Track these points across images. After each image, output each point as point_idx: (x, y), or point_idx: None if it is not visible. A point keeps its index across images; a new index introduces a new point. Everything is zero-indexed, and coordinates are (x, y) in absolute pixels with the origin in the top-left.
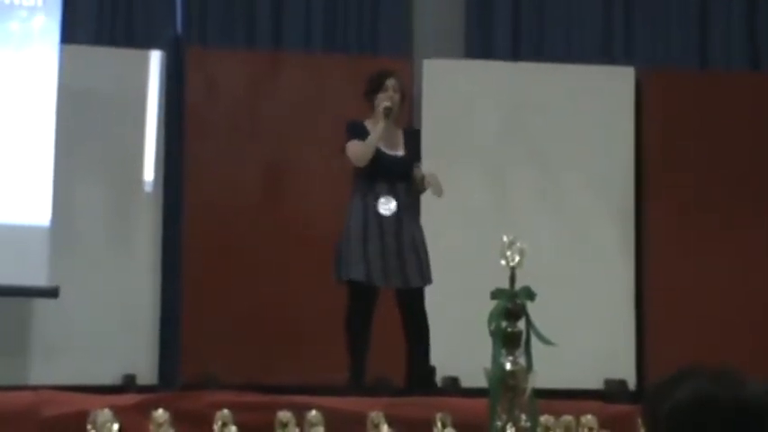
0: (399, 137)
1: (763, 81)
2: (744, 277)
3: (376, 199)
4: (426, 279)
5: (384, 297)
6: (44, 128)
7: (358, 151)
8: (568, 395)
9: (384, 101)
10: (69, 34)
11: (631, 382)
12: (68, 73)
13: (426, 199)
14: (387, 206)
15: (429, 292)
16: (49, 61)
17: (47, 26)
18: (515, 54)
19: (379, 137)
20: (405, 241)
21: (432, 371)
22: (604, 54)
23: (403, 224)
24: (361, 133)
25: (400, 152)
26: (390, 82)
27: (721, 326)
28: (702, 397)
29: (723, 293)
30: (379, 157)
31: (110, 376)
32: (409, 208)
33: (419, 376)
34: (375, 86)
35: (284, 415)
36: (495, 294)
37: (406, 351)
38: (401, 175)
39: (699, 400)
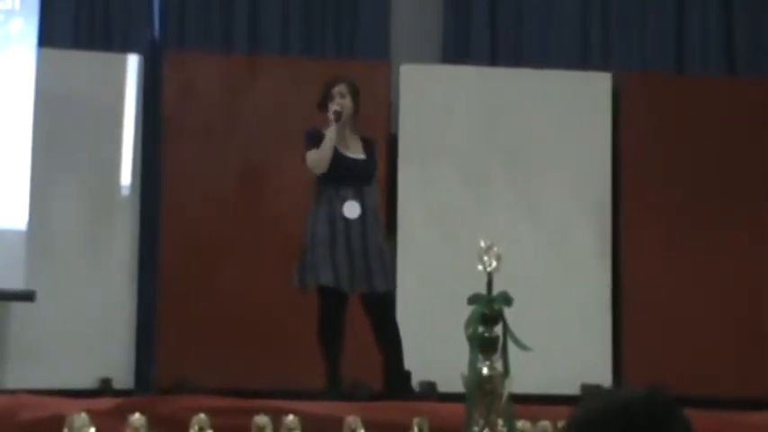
0: (358, 142)
1: (740, 86)
2: (721, 281)
3: (342, 203)
4: (391, 284)
5: (355, 301)
6: (21, 131)
7: (315, 159)
8: (545, 400)
9: (333, 107)
10: (47, 38)
11: (608, 387)
12: (46, 76)
13: (403, 203)
14: (352, 210)
15: (406, 296)
16: (26, 65)
17: (24, 29)
18: (493, 59)
19: (332, 142)
20: (370, 246)
21: (407, 375)
22: (581, 59)
23: (368, 228)
24: (317, 141)
25: (361, 155)
26: (337, 89)
27: (698, 330)
28: (588, 408)
29: (700, 298)
30: (342, 160)
31: (86, 380)
32: (374, 212)
33: (395, 381)
34: (323, 97)
35: (261, 419)
36: (473, 299)
37: (382, 356)
38: (365, 178)
39: (583, 414)
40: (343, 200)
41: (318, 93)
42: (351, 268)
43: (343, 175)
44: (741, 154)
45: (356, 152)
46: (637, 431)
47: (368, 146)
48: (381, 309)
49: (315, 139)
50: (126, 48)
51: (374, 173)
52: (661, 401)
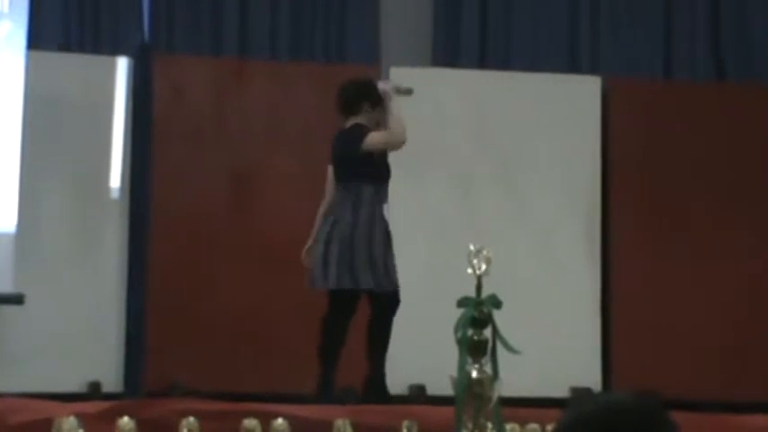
0: None
1: (727, 91)
2: (709, 284)
3: (381, 204)
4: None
5: (363, 308)
6: (10, 134)
7: (395, 133)
8: (534, 403)
9: (390, 86)
10: (35, 40)
11: (597, 390)
12: (35, 79)
13: (392, 206)
14: (387, 212)
15: None
16: (15, 68)
17: (13, 32)
18: (482, 62)
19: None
20: (390, 245)
21: (383, 377)
22: (571, 63)
23: (389, 227)
24: (364, 129)
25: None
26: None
27: (687, 333)
28: (576, 412)
29: (689, 301)
30: (383, 161)
31: (75, 384)
32: None
33: (374, 382)
34: (375, 89)
35: (250, 422)
36: (462, 303)
37: (369, 354)
38: (389, 177)
39: (572, 418)
40: (382, 201)
41: (371, 89)
42: (384, 268)
43: (383, 175)
44: (729, 157)
45: None
46: None
47: None
48: (388, 307)
49: (362, 129)
50: (115, 50)
51: None
52: (649, 405)
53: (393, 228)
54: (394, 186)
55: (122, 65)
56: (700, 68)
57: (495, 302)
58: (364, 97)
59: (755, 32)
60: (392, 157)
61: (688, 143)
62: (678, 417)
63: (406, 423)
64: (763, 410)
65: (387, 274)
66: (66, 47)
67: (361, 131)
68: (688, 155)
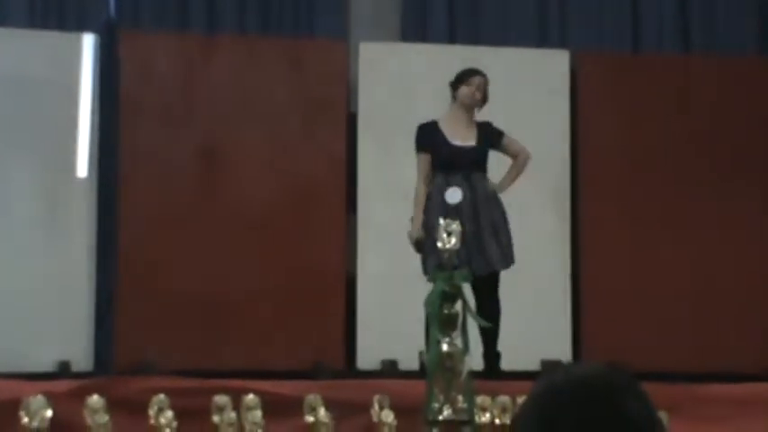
0: (473, 130)
1: (695, 64)
2: (678, 256)
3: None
4: (509, 260)
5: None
6: None
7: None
8: (505, 376)
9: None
10: (0, 17)
11: (567, 362)
12: None
13: (363, 181)
14: (453, 195)
15: (366, 274)
16: None
17: None
18: (451, 37)
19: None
20: (484, 226)
21: (498, 356)
22: (539, 37)
23: (481, 211)
24: (433, 135)
25: (471, 143)
26: (476, 80)
27: (655, 307)
28: (547, 383)
29: (657, 272)
30: (449, 149)
31: (44, 363)
32: (487, 195)
33: (486, 360)
34: (460, 78)
35: (221, 399)
36: (433, 277)
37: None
38: (475, 163)
39: (543, 388)
40: (449, 186)
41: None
42: (465, 251)
43: (451, 162)
44: (697, 131)
45: (467, 140)
46: (595, 405)
47: (482, 131)
48: (487, 287)
49: (429, 132)
50: (81, 27)
51: (484, 158)
52: (619, 376)
53: (363, 202)
54: (364, 161)
55: (88, 41)
56: (667, 42)
57: (465, 276)
58: (454, 83)
59: (720, 4)
60: (362, 132)
61: (656, 116)
62: (648, 388)
63: (377, 397)
64: (732, 380)
65: (476, 257)
66: (31, 23)
67: (427, 138)
68: (656, 128)
